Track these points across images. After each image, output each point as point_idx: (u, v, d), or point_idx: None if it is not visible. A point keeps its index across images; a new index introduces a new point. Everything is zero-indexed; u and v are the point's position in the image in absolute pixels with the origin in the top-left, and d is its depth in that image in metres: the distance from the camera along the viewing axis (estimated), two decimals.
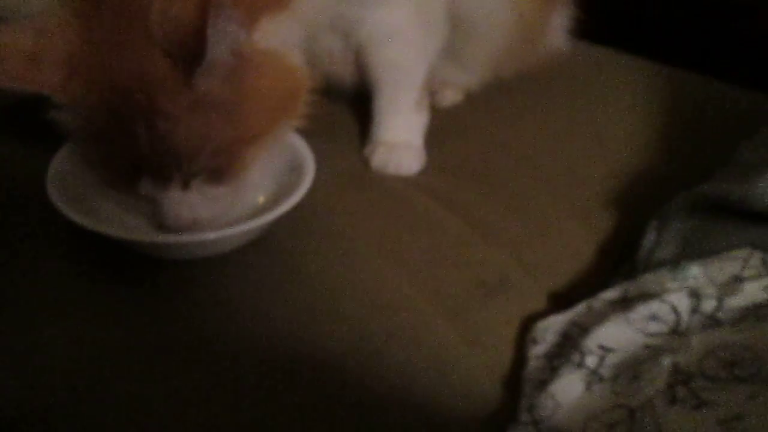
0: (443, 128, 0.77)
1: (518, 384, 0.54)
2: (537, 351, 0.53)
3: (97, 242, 0.56)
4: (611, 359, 0.48)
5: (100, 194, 0.59)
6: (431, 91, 0.77)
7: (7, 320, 0.54)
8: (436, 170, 0.73)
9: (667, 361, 0.45)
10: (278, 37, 0.55)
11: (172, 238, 0.56)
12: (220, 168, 0.54)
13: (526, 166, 0.74)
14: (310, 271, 0.60)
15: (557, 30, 0.84)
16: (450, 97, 0.83)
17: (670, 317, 0.49)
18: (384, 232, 0.65)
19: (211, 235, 0.56)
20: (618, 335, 0.49)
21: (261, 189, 0.62)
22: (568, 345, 0.51)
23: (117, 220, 0.60)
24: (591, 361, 0.49)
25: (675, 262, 0.52)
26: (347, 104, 0.79)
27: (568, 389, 0.47)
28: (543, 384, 0.49)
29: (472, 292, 0.61)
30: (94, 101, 0.51)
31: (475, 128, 0.80)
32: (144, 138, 0.50)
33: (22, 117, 0.57)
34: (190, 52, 0.48)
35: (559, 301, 0.62)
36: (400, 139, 0.73)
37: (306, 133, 0.64)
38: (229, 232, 0.56)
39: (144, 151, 0.51)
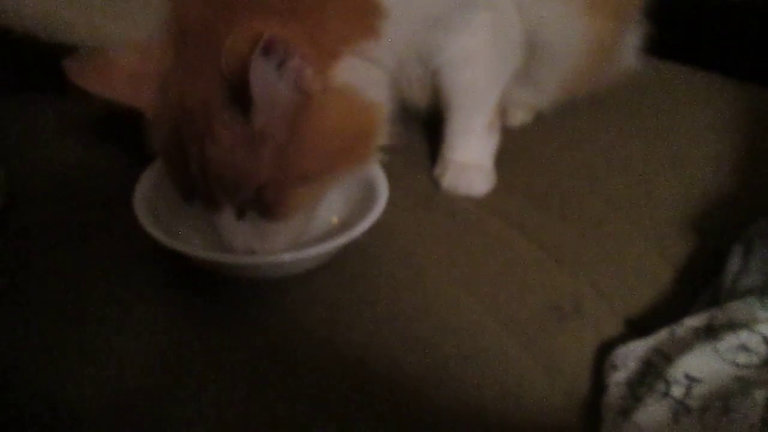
0: (513, 148, 0.77)
1: (596, 411, 0.53)
2: (617, 378, 0.51)
3: (179, 257, 0.57)
4: (699, 390, 0.47)
5: (180, 211, 0.60)
6: (501, 111, 0.77)
7: (90, 330, 0.56)
8: (506, 191, 0.73)
9: (760, 394, 0.43)
10: (364, 70, 0.55)
11: (242, 259, 0.57)
12: (269, 204, 0.54)
13: (599, 188, 0.73)
14: (383, 293, 0.60)
15: (630, 48, 0.83)
16: (520, 117, 0.82)
17: (762, 348, 0.48)
18: (455, 254, 0.65)
19: (286, 257, 0.56)
20: (705, 365, 0.48)
21: (334, 210, 0.63)
22: (652, 373, 0.50)
23: (194, 238, 0.61)
24: (677, 391, 0.47)
25: (763, 291, 0.50)
26: (418, 124, 0.80)
27: (654, 419, 0.46)
28: (625, 413, 0.48)
29: (547, 316, 0.60)
30: (166, 119, 0.53)
31: (546, 149, 0.79)
32: (195, 160, 0.52)
33: (121, 126, 0.59)
34: (240, 90, 0.48)
35: (636, 327, 0.61)
36: (471, 160, 0.73)
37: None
38: (302, 254, 0.56)
39: (193, 173, 0.52)
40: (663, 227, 0.69)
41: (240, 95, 0.49)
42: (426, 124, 0.79)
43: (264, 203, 0.53)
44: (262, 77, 0.48)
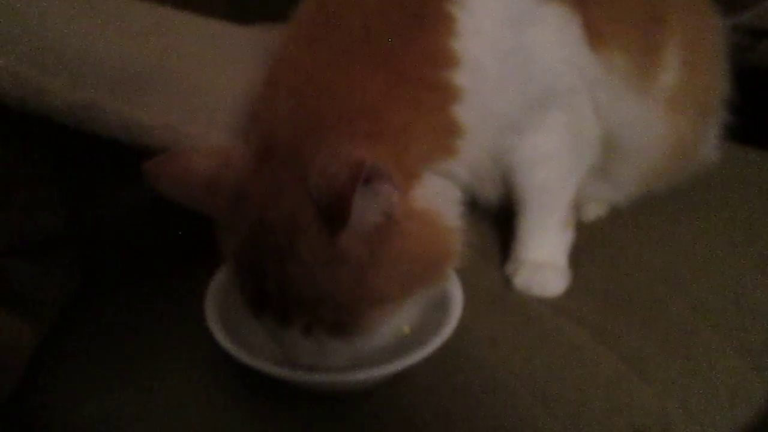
0: (587, 245, 0.73)
1: None
2: None
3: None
4: None
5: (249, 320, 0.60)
6: (575, 206, 0.74)
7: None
8: (582, 293, 0.69)
9: None
10: (441, 189, 0.54)
11: (312, 377, 0.55)
12: (341, 323, 0.53)
13: (682, 292, 0.69)
14: (457, 409, 0.57)
15: (709, 141, 0.80)
16: (594, 210, 0.79)
17: None
18: (531, 365, 0.61)
19: (361, 376, 0.54)
20: None
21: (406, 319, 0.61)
22: None
23: (263, 348, 0.59)
24: None
25: None
26: (488, 219, 0.77)
27: None
28: None
29: None
30: (242, 230, 0.52)
31: (623, 246, 0.76)
32: (272, 275, 0.51)
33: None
34: (336, 214, 0.48)
35: None
36: (545, 259, 0.70)
37: None
38: (373, 373, 0.54)
39: (269, 288, 0.51)
40: (756, 339, 0.64)
41: (329, 216, 0.48)
42: (496, 219, 0.76)
43: (337, 322, 0.52)
44: (361, 205, 0.47)
